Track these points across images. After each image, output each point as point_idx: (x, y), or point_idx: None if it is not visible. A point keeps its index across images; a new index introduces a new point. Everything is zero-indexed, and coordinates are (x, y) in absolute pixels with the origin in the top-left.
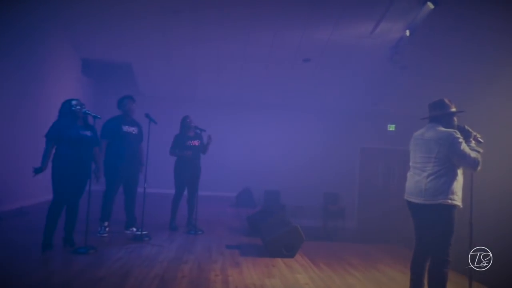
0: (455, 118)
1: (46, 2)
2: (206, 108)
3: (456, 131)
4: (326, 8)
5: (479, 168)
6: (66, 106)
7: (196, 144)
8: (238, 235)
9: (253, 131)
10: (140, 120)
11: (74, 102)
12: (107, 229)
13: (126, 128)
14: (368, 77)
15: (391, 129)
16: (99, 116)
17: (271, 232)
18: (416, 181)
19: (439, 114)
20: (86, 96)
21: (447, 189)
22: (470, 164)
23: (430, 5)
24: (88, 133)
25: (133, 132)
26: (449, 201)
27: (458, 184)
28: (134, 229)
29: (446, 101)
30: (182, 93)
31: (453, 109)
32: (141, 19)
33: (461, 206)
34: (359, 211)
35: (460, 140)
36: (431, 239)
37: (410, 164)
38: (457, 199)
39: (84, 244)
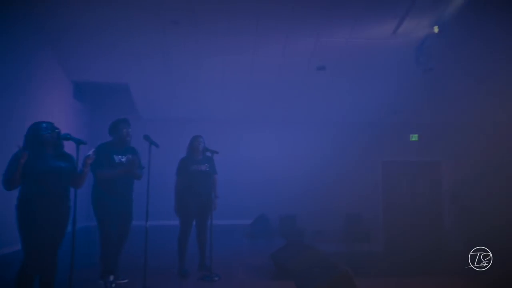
0: None
1: (31, 13)
2: (213, 127)
3: None
4: (341, 9)
5: None
6: (33, 131)
7: (204, 169)
8: (263, 278)
9: (263, 149)
10: (140, 144)
11: (44, 125)
12: (113, 285)
13: (117, 158)
14: (389, 83)
15: (414, 139)
16: (84, 141)
17: (308, 276)
18: None
19: None
20: (80, 123)
21: None
22: None
23: None
24: (62, 163)
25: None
26: None
27: None
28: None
29: None
30: (186, 113)
31: None
32: (137, 35)
33: None
34: (385, 232)
35: None
36: None
37: None
38: None
39: None
